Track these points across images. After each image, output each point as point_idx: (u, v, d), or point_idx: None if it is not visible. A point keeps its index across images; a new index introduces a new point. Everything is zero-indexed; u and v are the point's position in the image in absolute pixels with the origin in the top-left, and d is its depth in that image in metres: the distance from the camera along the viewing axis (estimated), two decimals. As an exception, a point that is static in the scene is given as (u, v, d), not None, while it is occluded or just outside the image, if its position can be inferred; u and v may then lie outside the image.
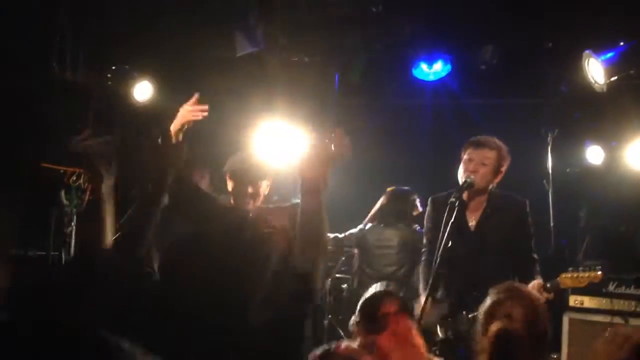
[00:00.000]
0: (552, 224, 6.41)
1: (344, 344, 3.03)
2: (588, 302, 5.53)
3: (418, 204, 6.06)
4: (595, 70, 4.92)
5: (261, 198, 4.10)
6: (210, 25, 5.38)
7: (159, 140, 3.34)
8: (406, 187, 6.17)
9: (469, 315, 4.18)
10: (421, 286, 4.48)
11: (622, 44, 4.91)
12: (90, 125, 4.38)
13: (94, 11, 5.04)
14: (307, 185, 2.56)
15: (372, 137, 6.70)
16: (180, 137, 3.90)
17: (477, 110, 6.52)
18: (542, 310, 2.71)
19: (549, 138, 6.50)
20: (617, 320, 5.36)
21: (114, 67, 5.36)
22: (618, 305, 5.46)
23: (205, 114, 3.95)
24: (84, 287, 2.55)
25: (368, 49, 6.05)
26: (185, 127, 3.91)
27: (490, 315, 2.65)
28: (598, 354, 2.33)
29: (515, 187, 4.54)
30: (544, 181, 6.51)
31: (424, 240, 4.60)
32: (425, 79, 6.16)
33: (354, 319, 3.20)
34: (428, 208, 4.58)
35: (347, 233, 6.11)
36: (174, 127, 3.89)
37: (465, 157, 4.35)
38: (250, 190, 3.99)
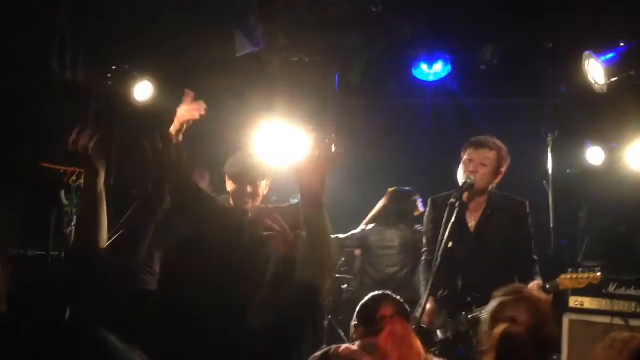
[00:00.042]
0: (551, 225, 6.41)
1: (344, 345, 3.07)
2: (588, 303, 5.53)
3: (419, 204, 6.05)
4: (596, 70, 4.92)
5: (260, 198, 4.10)
6: (210, 25, 5.37)
7: (159, 142, 3.33)
8: (408, 188, 6.16)
9: (469, 316, 4.18)
10: (422, 286, 4.47)
11: (622, 44, 4.91)
12: (90, 124, 4.38)
13: (94, 11, 5.04)
14: (308, 198, 2.56)
15: (372, 138, 6.70)
16: (180, 137, 3.90)
17: (477, 110, 6.51)
18: (547, 314, 2.71)
19: (549, 139, 6.50)
20: (618, 321, 5.36)
21: (114, 67, 5.36)
22: (618, 307, 5.45)
23: (203, 112, 3.94)
24: (81, 286, 2.55)
25: (368, 49, 6.04)
26: (185, 126, 3.91)
27: (496, 317, 2.65)
28: (597, 359, 2.33)
29: (515, 187, 4.54)
30: (544, 182, 6.51)
31: (424, 240, 4.60)
32: (425, 79, 6.16)
33: (352, 323, 3.24)
34: (428, 208, 4.58)
35: (348, 234, 6.10)
36: (173, 128, 3.89)
37: (465, 157, 4.34)
38: (249, 190, 3.99)
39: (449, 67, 6.08)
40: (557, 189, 6.46)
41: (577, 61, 5.04)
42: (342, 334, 6.17)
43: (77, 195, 4.87)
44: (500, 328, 2.57)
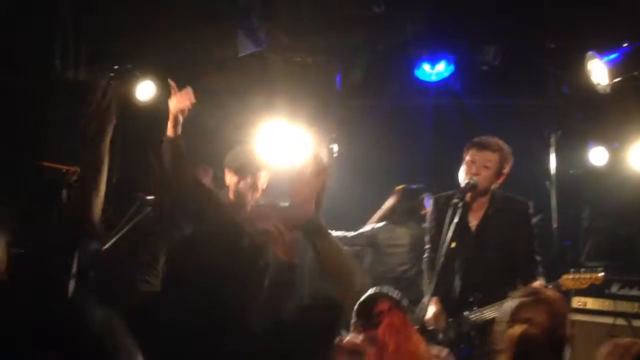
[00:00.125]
0: (554, 226, 6.40)
1: (348, 337, 3.14)
2: (591, 303, 5.52)
3: (425, 202, 6.03)
4: (599, 71, 4.90)
5: (260, 191, 4.10)
6: (212, 25, 5.37)
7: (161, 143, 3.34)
8: (416, 185, 6.13)
9: (471, 316, 4.17)
10: (425, 285, 4.48)
11: (625, 45, 4.89)
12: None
13: (97, 10, 5.04)
14: (307, 226, 2.60)
15: (374, 138, 6.69)
16: (179, 130, 3.89)
17: (479, 111, 6.50)
18: (563, 315, 2.73)
19: (551, 139, 6.49)
20: (620, 322, 5.35)
21: (116, 67, 5.36)
22: (621, 307, 5.44)
23: (193, 99, 3.92)
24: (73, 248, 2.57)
25: (370, 49, 6.04)
26: (181, 118, 3.89)
27: (513, 317, 2.67)
28: None
29: (518, 188, 4.53)
30: (547, 182, 6.50)
31: (426, 238, 4.60)
32: (428, 79, 6.14)
33: (352, 320, 3.30)
34: (430, 207, 4.59)
35: (357, 232, 6.06)
36: (169, 123, 3.89)
37: (467, 158, 4.34)
38: (249, 181, 4.01)
39: (451, 68, 6.06)
40: (560, 189, 6.45)
41: (580, 61, 5.03)
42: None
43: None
44: (518, 329, 2.59)
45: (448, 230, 4.08)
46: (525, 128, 6.32)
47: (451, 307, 4.26)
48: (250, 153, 4.19)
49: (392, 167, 6.82)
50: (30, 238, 2.52)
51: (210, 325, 3.47)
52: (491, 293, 4.14)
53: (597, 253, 6.26)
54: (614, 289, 5.50)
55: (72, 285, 4.80)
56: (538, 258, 4.30)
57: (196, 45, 5.50)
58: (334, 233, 5.70)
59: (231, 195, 4.13)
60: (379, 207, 6.23)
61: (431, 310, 4.15)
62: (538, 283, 4.07)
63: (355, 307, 3.36)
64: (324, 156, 3.78)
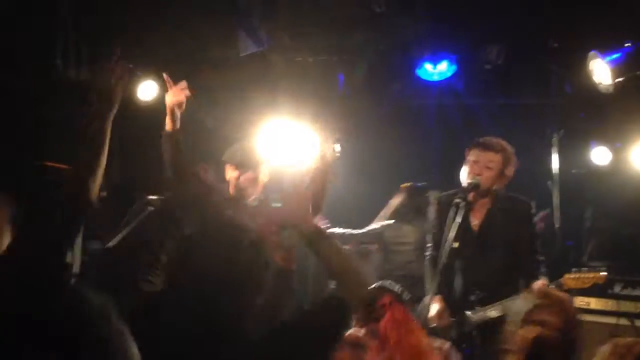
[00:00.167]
0: (557, 226, 6.39)
1: (350, 331, 3.16)
2: (594, 303, 5.51)
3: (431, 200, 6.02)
4: (601, 70, 4.90)
5: (260, 186, 4.10)
6: (214, 25, 5.37)
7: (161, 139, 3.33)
8: (421, 183, 6.12)
9: (473, 316, 4.17)
10: (427, 283, 4.48)
11: (628, 44, 4.89)
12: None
13: (98, 10, 5.04)
14: (308, 238, 2.61)
15: (377, 138, 6.69)
16: (178, 124, 3.89)
17: (482, 110, 6.49)
18: (576, 318, 2.73)
19: (554, 139, 6.48)
20: (623, 322, 5.34)
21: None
22: (624, 307, 5.43)
23: (187, 91, 3.91)
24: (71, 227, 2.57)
25: (372, 49, 6.03)
26: (177, 113, 3.89)
27: (526, 318, 2.67)
28: None
29: (520, 188, 4.52)
30: (549, 182, 6.49)
31: (428, 237, 4.61)
32: (430, 79, 6.14)
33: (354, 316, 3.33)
34: (433, 207, 4.58)
35: (364, 230, 6.05)
36: (167, 117, 3.89)
37: (470, 158, 4.33)
38: (250, 175, 4.00)
39: (453, 67, 6.06)
40: (562, 189, 6.44)
41: (583, 61, 5.02)
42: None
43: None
44: (532, 331, 2.60)
45: (450, 230, 4.07)
46: (527, 127, 6.32)
47: (453, 306, 4.25)
48: (250, 148, 4.19)
49: (395, 166, 6.82)
50: (30, 237, 2.52)
51: (208, 327, 3.47)
52: (493, 293, 4.14)
53: (600, 253, 6.25)
54: (617, 289, 5.49)
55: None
56: (541, 257, 4.29)
57: (197, 46, 5.51)
58: (340, 230, 5.71)
59: (231, 190, 4.13)
60: (381, 206, 6.22)
61: (434, 308, 4.15)
62: (541, 282, 4.06)
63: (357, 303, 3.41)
64: (329, 157, 3.78)
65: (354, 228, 5.99)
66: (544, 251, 4.41)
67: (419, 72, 6.14)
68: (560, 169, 6.48)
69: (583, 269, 4.30)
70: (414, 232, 5.92)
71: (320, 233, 2.62)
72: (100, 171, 2.66)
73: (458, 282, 4.29)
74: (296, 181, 2.64)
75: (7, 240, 2.52)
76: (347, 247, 5.53)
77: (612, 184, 6.27)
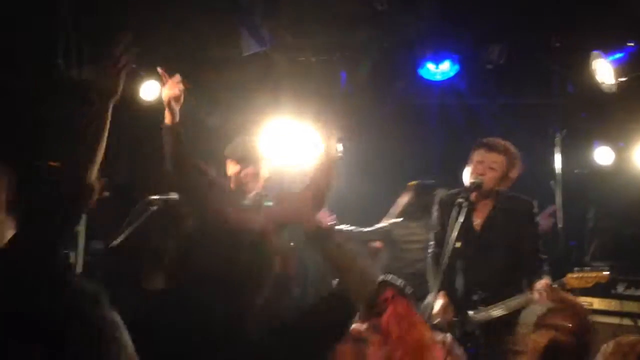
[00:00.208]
0: (560, 226, 6.38)
1: (352, 325, 3.18)
2: (597, 303, 5.51)
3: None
4: (604, 70, 4.89)
5: (262, 181, 4.09)
6: (216, 25, 5.37)
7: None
8: (430, 181, 6.10)
9: (476, 316, 4.16)
10: (430, 280, 4.49)
11: (631, 44, 4.89)
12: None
13: (99, 9, 5.04)
14: (318, 233, 2.63)
15: (379, 137, 6.69)
16: (177, 118, 3.88)
17: (484, 110, 6.49)
18: (589, 322, 2.74)
19: (556, 138, 6.48)
20: (627, 322, 5.33)
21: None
22: (627, 307, 5.43)
23: (182, 84, 3.90)
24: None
25: (374, 48, 6.02)
26: (175, 106, 3.88)
27: (539, 322, 2.67)
28: None
29: (522, 188, 4.52)
30: (551, 182, 6.48)
31: (430, 235, 4.61)
32: (432, 78, 6.13)
33: None
34: (435, 205, 4.58)
35: (373, 227, 6.04)
36: (166, 111, 3.88)
37: (474, 158, 4.33)
38: (252, 171, 4.00)
39: (456, 67, 6.05)
40: (565, 189, 6.44)
41: (585, 60, 5.02)
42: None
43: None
44: (546, 336, 2.60)
45: (453, 230, 4.08)
46: (530, 127, 6.30)
47: (455, 306, 4.26)
48: (251, 143, 4.18)
49: (397, 165, 6.81)
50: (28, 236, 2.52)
51: (210, 325, 3.47)
52: (495, 292, 4.14)
53: (603, 253, 6.25)
54: (620, 289, 5.49)
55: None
56: (543, 256, 4.29)
57: (199, 45, 5.50)
58: (348, 228, 5.69)
59: (232, 185, 4.12)
60: (383, 205, 6.21)
61: (438, 303, 4.16)
62: (543, 282, 4.06)
63: None
64: (333, 153, 3.77)
65: (357, 227, 5.99)
66: (546, 250, 4.41)
67: (422, 72, 6.13)
68: (562, 168, 6.47)
69: (586, 268, 4.30)
70: (422, 230, 5.90)
71: (322, 230, 2.63)
72: (96, 167, 2.65)
73: (460, 282, 4.30)
74: (298, 179, 2.65)
75: (7, 230, 2.51)
76: (352, 244, 5.51)
77: (615, 183, 6.26)
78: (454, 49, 6.00)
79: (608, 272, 4.21)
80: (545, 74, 6.30)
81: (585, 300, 5.47)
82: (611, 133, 6.28)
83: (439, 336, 3.35)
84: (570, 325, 2.62)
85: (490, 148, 4.31)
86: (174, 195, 4.66)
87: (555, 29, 5.74)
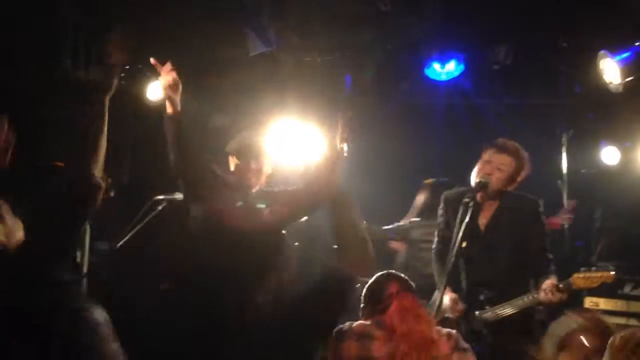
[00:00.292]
0: (566, 226, 6.37)
1: (358, 322, 3.19)
2: (604, 303, 5.49)
3: None
4: (611, 70, 4.88)
5: (264, 177, 4.08)
6: (223, 25, 5.37)
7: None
8: (444, 179, 6.07)
9: (483, 316, 4.16)
10: (435, 276, 4.49)
11: (638, 44, 4.87)
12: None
13: (103, 9, 5.05)
14: (340, 197, 2.66)
15: (385, 137, 6.68)
16: (178, 108, 3.88)
17: (490, 110, 6.48)
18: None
19: (563, 138, 6.47)
20: (633, 322, 5.31)
21: (127, 67, 5.37)
22: (634, 307, 5.41)
23: (173, 72, 3.89)
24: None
25: (380, 48, 6.02)
26: (173, 95, 3.87)
27: (568, 341, 2.65)
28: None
29: (529, 188, 4.51)
30: (558, 182, 6.47)
31: (435, 232, 4.61)
32: (438, 78, 6.12)
33: (360, 305, 3.35)
34: (441, 204, 4.58)
35: (393, 225, 6.02)
36: (166, 102, 3.88)
37: (484, 158, 4.32)
38: (253, 166, 3.99)
39: (462, 67, 6.04)
40: (571, 189, 6.43)
41: (592, 60, 5.01)
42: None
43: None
44: (574, 356, 2.58)
45: (459, 229, 4.07)
46: (536, 127, 6.29)
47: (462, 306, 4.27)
48: (252, 138, 4.17)
49: (402, 165, 6.81)
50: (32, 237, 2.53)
51: (213, 320, 3.48)
52: (501, 292, 4.14)
53: (610, 253, 6.23)
54: (627, 289, 5.48)
55: (84, 284, 4.82)
56: (550, 256, 4.28)
57: (206, 46, 5.51)
58: (366, 224, 5.69)
59: (234, 180, 4.11)
60: (388, 205, 6.21)
61: (447, 299, 4.16)
62: (550, 282, 4.05)
63: (364, 291, 3.42)
64: (337, 149, 3.76)
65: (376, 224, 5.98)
66: (552, 249, 4.40)
67: (427, 72, 6.13)
68: (569, 168, 6.46)
69: (592, 268, 4.28)
70: None
71: (344, 197, 2.66)
72: (99, 166, 2.66)
73: (465, 282, 4.30)
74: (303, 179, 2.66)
75: (18, 231, 2.51)
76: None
77: (621, 183, 6.25)
78: (459, 48, 5.99)
79: (614, 272, 4.19)
80: (552, 74, 6.29)
81: (591, 301, 5.47)
82: (618, 133, 6.26)
83: (444, 330, 3.35)
84: (598, 343, 2.58)
85: (501, 149, 4.30)
86: (179, 196, 4.67)
87: (562, 29, 5.73)
